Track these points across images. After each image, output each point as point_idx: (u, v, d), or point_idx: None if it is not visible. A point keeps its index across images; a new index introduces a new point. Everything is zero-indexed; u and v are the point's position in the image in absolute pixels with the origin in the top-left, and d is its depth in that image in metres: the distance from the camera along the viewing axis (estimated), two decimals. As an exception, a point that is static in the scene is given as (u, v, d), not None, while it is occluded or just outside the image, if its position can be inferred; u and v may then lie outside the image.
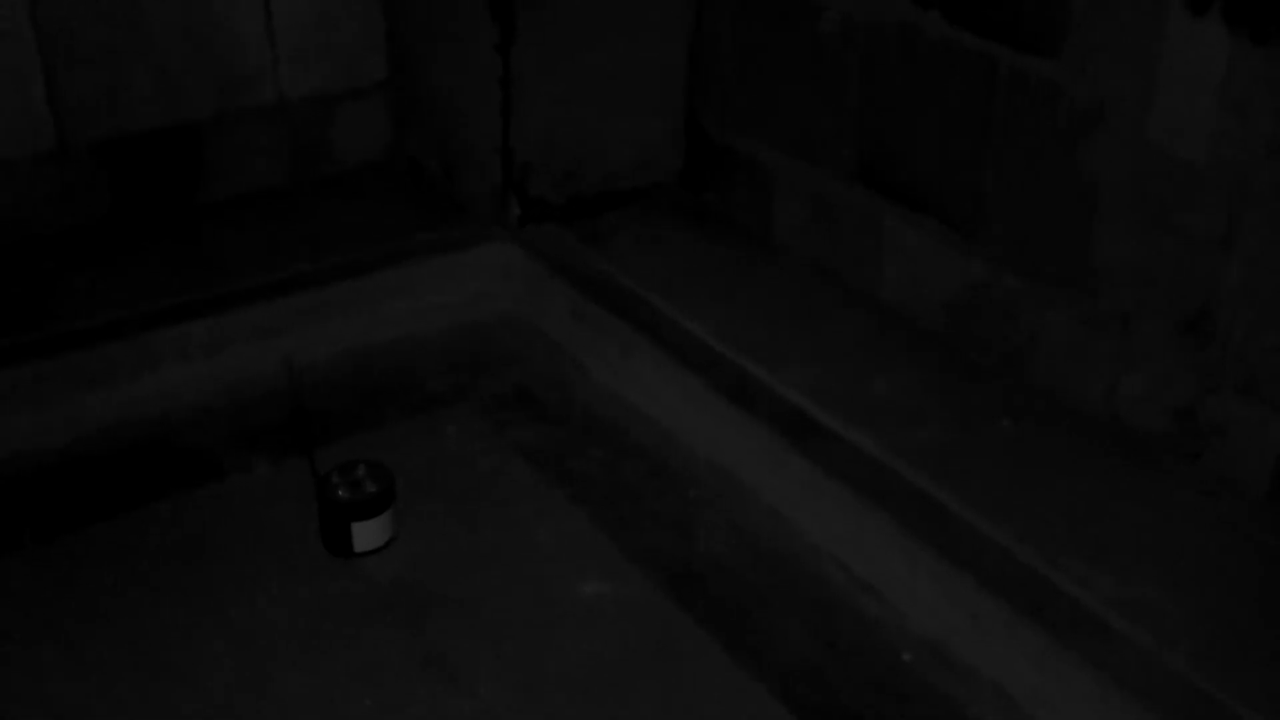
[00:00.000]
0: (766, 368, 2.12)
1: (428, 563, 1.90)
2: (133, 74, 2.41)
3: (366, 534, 1.88)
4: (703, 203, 2.65)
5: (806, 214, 2.43)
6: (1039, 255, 2.04)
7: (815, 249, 2.43)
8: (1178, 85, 1.77)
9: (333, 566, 1.88)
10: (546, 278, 2.43)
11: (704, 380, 2.12)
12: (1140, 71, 1.81)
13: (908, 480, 1.87)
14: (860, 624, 1.83)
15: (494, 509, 2.02)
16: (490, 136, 2.48)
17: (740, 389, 2.09)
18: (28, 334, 2.12)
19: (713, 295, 2.34)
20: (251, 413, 2.18)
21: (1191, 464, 1.89)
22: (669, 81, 2.58)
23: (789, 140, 2.42)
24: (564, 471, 2.11)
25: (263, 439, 2.13)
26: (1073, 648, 1.62)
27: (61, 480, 2.04)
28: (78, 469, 2.06)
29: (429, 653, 1.75)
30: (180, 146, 2.52)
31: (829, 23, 2.26)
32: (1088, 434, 1.98)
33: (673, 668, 1.75)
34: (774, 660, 1.76)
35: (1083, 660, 1.61)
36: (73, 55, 2.34)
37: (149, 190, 2.52)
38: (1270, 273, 1.74)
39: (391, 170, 2.75)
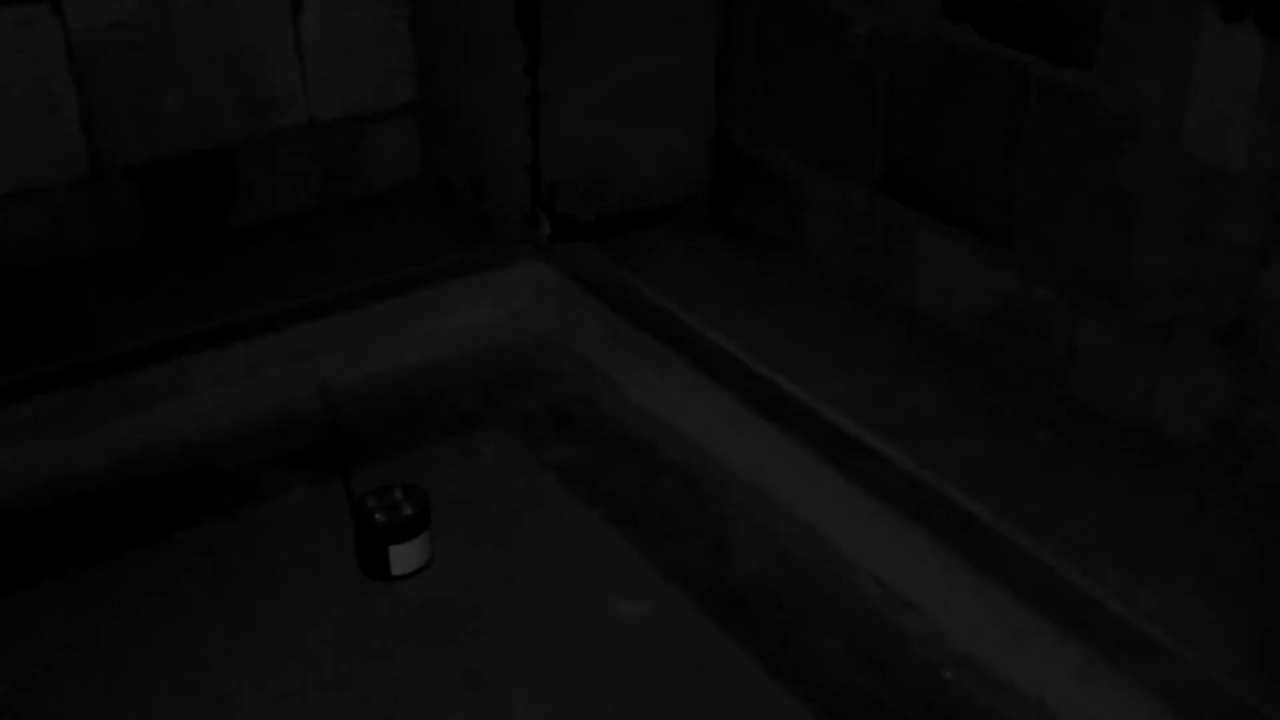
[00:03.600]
0: (800, 382, 2.11)
1: (464, 583, 1.90)
2: (165, 98, 2.44)
3: (404, 557, 1.88)
4: (732, 217, 2.65)
5: (837, 226, 2.43)
6: (1073, 266, 2.02)
7: (847, 262, 2.42)
8: (1212, 93, 1.76)
9: (370, 588, 1.89)
10: (578, 296, 2.43)
11: (738, 396, 2.12)
12: (1174, 80, 1.80)
13: (944, 494, 1.86)
14: (900, 640, 1.81)
15: (529, 528, 2.02)
16: (519, 156, 2.49)
17: (774, 404, 2.08)
18: (66, 359, 2.14)
19: (744, 310, 2.33)
20: (288, 436, 2.19)
21: (1232, 475, 1.87)
22: (697, 96, 2.59)
23: (819, 152, 2.42)
24: (598, 490, 2.11)
25: (299, 462, 2.14)
26: (1116, 662, 1.60)
27: (101, 504, 2.05)
28: (117, 493, 2.07)
29: (467, 673, 1.75)
30: (212, 170, 2.54)
31: (857, 36, 2.26)
32: (1126, 445, 1.96)
33: (710, 686, 1.74)
34: (813, 677, 1.75)
35: (1127, 675, 1.59)
36: (106, 80, 2.37)
37: (182, 214, 2.54)
38: (1310, 281, 1.72)
39: (422, 191, 2.77)
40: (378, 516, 1.88)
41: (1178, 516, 1.82)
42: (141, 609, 1.84)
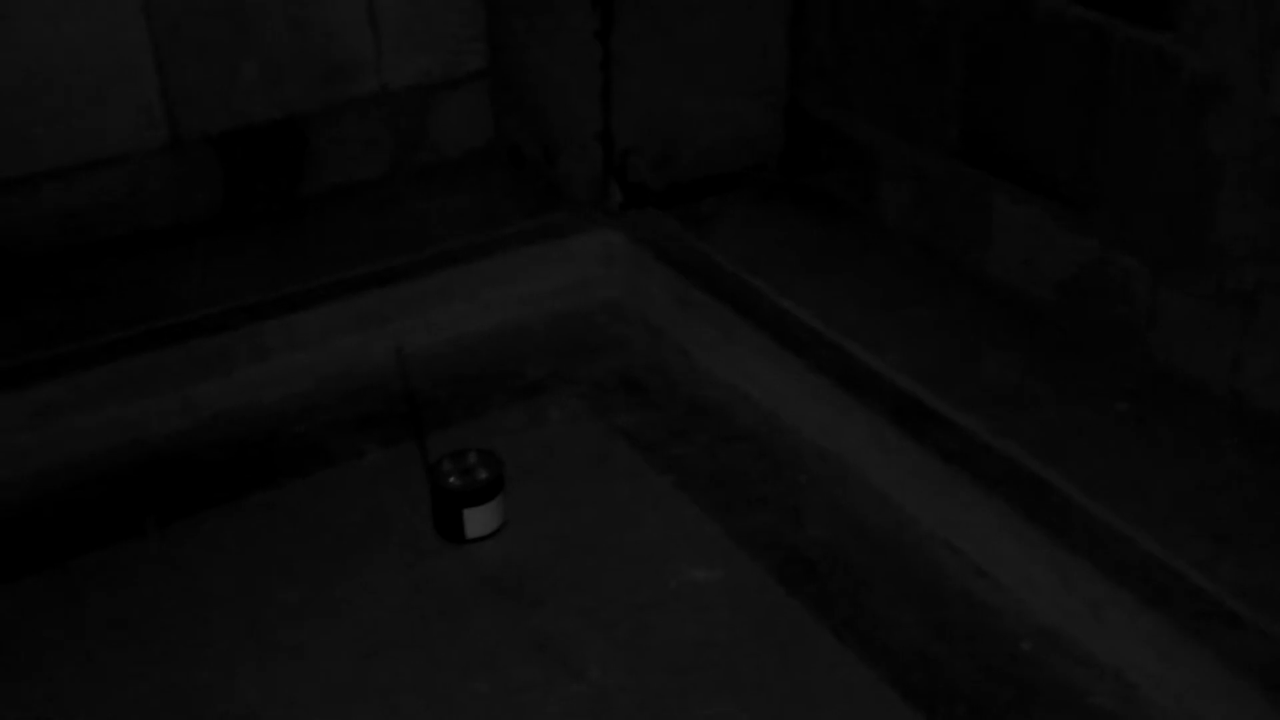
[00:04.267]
0: (873, 350, 2.10)
1: (536, 548, 1.92)
2: (241, 67, 2.46)
3: (478, 520, 1.90)
4: (804, 184, 2.62)
5: (911, 193, 2.40)
6: (1155, 232, 1.98)
7: (921, 228, 2.39)
8: (1305, 54, 1.71)
9: (444, 551, 1.91)
10: (648, 263, 2.42)
11: (809, 363, 2.10)
12: (1261, 41, 1.75)
13: (1021, 463, 1.84)
14: (975, 611, 1.80)
15: (600, 495, 2.03)
16: (590, 122, 2.48)
17: (847, 371, 2.07)
18: (144, 324, 2.18)
19: (816, 277, 2.31)
20: (360, 401, 2.22)
21: (1320, 446, 1.83)
22: (769, 61, 2.56)
23: (893, 118, 2.39)
24: (669, 457, 2.11)
25: (372, 426, 2.16)
26: (1197, 635, 1.58)
27: (178, 466, 2.09)
28: (194, 455, 2.11)
29: (539, 636, 1.76)
30: (286, 138, 2.57)
31: (933, -1, 2.22)
32: (1208, 414, 1.93)
33: (782, 652, 1.74)
34: (886, 646, 1.74)
35: (1208, 649, 1.56)
36: (184, 49, 2.39)
37: (258, 182, 2.57)
38: (1406, 247, 1.67)
39: (492, 158, 2.77)
40: (453, 480, 1.90)
41: (1262, 487, 1.79)
42: (221, 569, 1.87)
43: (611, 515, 1.98)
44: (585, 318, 2.45)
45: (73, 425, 2.06)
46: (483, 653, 1.74)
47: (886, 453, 1.97)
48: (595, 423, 2.20)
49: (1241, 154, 1.82)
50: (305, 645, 1.75)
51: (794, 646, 1.75)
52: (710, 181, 2.59)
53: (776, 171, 2.65)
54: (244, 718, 1.64)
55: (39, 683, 1.68)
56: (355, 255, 2.39)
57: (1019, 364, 2.07)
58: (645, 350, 2.38)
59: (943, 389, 1.99)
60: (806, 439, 2.10)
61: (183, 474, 2.07)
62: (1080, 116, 2.04)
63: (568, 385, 2.29)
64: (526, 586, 1.85)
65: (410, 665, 1.72)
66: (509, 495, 1.95)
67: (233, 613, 1.80)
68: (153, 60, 2.37)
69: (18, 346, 2.12)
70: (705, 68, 2.49)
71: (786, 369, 2.13)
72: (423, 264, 2.36)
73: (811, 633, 1.77)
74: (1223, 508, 1.76)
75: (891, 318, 2.20)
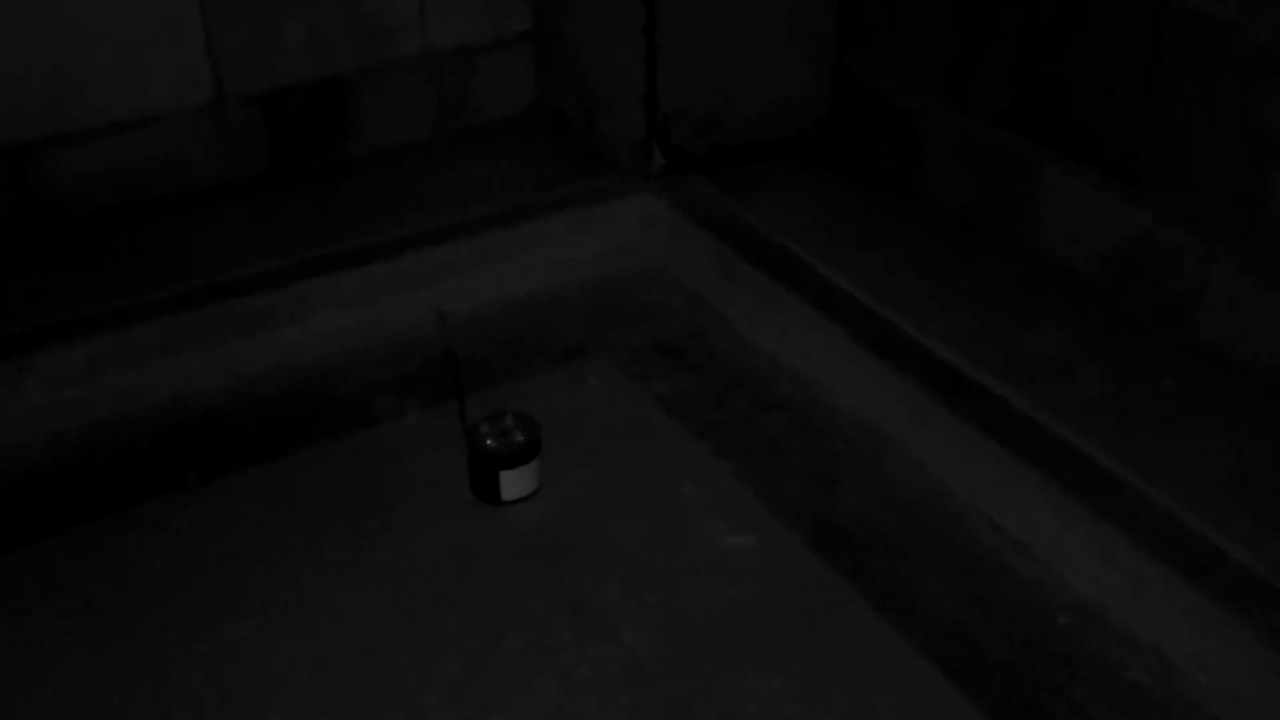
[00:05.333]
0: (914, 320, 2.08)
1: (572, 511, 1.92)
2: (285, 26, 2.46)
3: (514, 483, 1.91)
4: (849, 152, 2.59)
5: (957, 161, 2.37)
6: (1208, 204, 1.94)
7: (966, 198, 2.36)
8: (1368, 22, 1.67)
9: (480, 513, 1.91)
10: (689, 229, 2.41)
11: (849, 332, 2.09)
12: (1325, 8, 1.71)
13: (1063, 437, 1.82)
14: (1012, 584, 1.78)
15: (636, 460, 2.02)
16: (633, 87, 2.46)
17: (887, 341, 2.05)
18: (190, 283, 2.19)
19: (858, 246, 2.29)
20: (401, 361, 2.23)
21: (1371, 425, 1.80)
22: (815, 27, 2.53)
23: (940, 85, 2.36)
24: (706, 423, 2.11)
25: (412, 387, 2.17)
26: (1239, 612, 1.56)
27: (222, 423, 2.11)
28: (237, 412, 2.13)
29: (574, 599, 1.77)
30: (330, 99, 2.57)
31: (985, -37, 2.19)
32: (1256, 391, 1.89)
33: (817, 621, 1.73)
34: (922, 617, 1.74)
35: (1250, 625, 1.54)
36: (229, 8, 2.40)
37: (301, 142, 2.57)
38: None
39: (535, 121, 2.76)
40: (490, 442, 1.90)
41: (1309, 466, 1.76)
42: (262, 525, 1.89)
43: (647, 481, 1.98)
44: (625, 283, 2.44)
45: (120, 380, 2.09)
46: (517, 613, 1.74)
47: (926, 423, 1.95)
48: (633, 388, 2.19)
49: (1298, 125, 1.79)
50: (343, 602, 1.76)
51: (829, 616, 1.74)
52: (754, 148, 2.56)
53: (821, 138, 2.62)
54: (283, 673, 1.65)
55: (85, 633, 1.71)
56: (398, 217, 2.40)
57: (1064, 337, 2.04)
58: (684, 316, 2.37)
59: (985, 361, 1.97)
60: (845, 408, 2.09)
61: (226, 430, 2.09)
62: (1135, 85, 2.00)
63: (606, 350, 2.29)
64: (561, 550, 1.85)
65: (445, 624, 1.73)
66: (545, 459, 1.95)
67: (272, 568, 1.82)
68: (199, 19, 2.38)
69: (65, 304, 2.14)
70: (752, 32, 2.46)
71: (827, 338, 2.12)
72: (464, 226, 2.36)
73: (847, 602, 1.76)
74: (1268, 485, 1.73)
75: (934, 288, 2.18)
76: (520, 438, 1.91)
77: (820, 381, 2.14)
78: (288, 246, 2.30)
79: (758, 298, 2.25)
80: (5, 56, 2.24)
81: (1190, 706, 1.59)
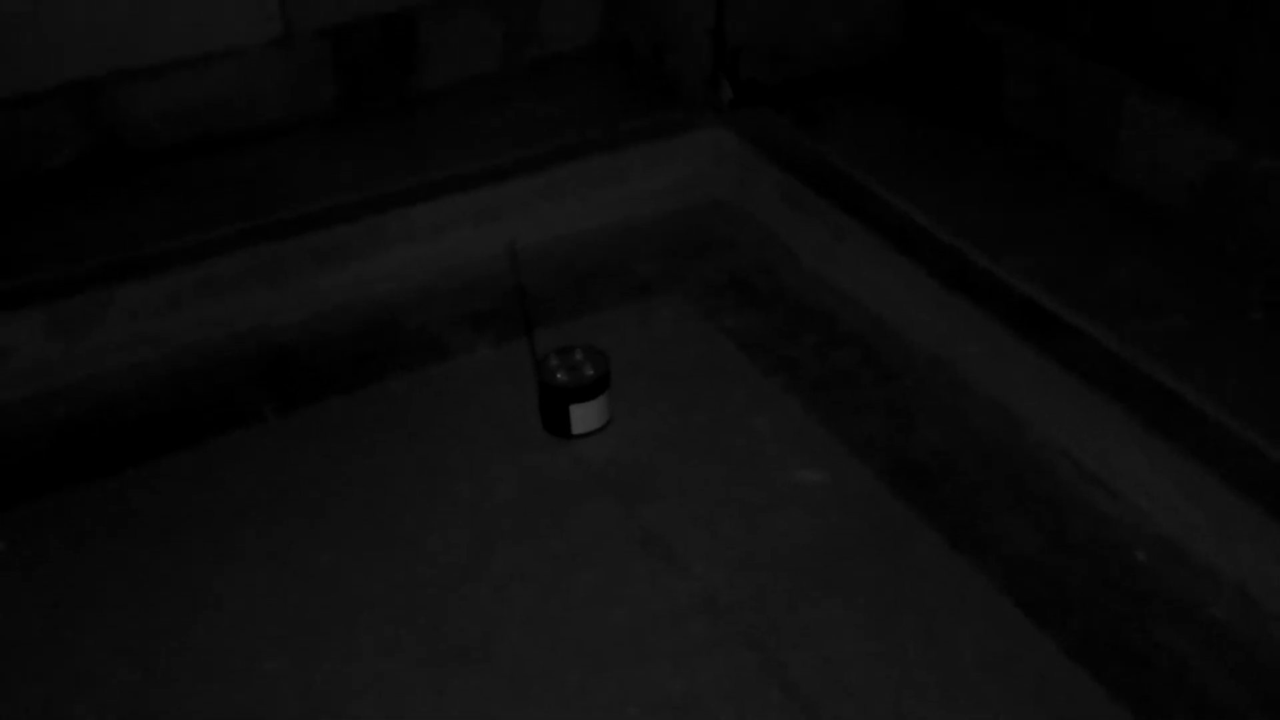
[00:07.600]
0: (990, 254, 2.03)
1: (643, 445, 1.92)
2: (353, -40, 2.45)
3: (584, 416, 1.91)
4: (925, 81, 2.54)
5: (1037, 90, 2.30)
6: (1301, 132, 1.88)
7: (1046, 127, 2.30)
8: None
9: (552, 446, 1.92)
10: (759, 162, 2.38)
11: (923, 267, 2.05)
12: None
13: (1147, 373, 1.78)
14: (1091, 520, 1.76)
15: (707, 394, 2.01)
16: (702, 18, 2.42)
17: (963, 276, 2.01)
18: (263, 218, 2.20)
19: (933, 178, 2.25)
20: (473, 296, 2.23)
21: None
22: (890, -47, 2.47)
23: (1020, 10, 2.29)
24: (777, 358, 2.09)
25: (483, 321, 2.18)
26: (1328, 552, 1.52)
27: (297, 355, 2.13)
28: (313, 345, 2.15)
29: (646, 532, 1.77)
30: (399, 32, 2.55)
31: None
32: (1349, 327, 1.84)
33: (892, 556, 1.72)
34: (998, 553, 1.72)
35: (1339, 565, 1.51)
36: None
37: (370, 77, 2.57)
38: None
39: (602, 54, 2.73)
40: (560, 376, 1.90)
41: (1404, 403, 1.71)
42: (339, 457, 1.91)
43: (718, 415, 1.97)
44: (694, 217, 2.42)
45: (199, 313, 2.11)
46: (589, 546, 1.75)
47: (1003, 359, 1.92)
48: (703, 323, 2.18)
49: (1402, 47, 1.71)
50: (420, 534, 1.78)
51: (904, 552, 1.73)
52: (826, 78, 2.51)
53: (896, 68, 2.56)
54: (364, 601, 1.68)
55: (176, 561, 1.74)
56: (467, 151, 2.39)
57: (1149, 270, 1.99)
58: (754, 250, 2.35)
59: (1064, 294, 1.93)
60: (918, 343, 2.06)
61: (301, 363, 2.11)
62: (1224, 8, 1.93)
63: (676, 284, 2.27)
64: (632, 483, 1.85)
65: (519, 556, 1.74)
66: (616, 393, 1.95)
67: (350, 499, 1.84)
68: (267, -48, 2.37)
69: (143, 238, 2.17)
70: (824, -41, 2.41)
71: (899, 272, 2.08)
72: (534, 160, 2.35)
73: (922, 538, 1.75)
74: (1360, 422, 1.68)
75: (1011, 220, 2.13)
76: (590, 372, 1.91)
77: (892, 316, 2.10)
78: (358, 182, 2.30)
79: (829, 231, 2.22)
80: (79, -8, 2.26)
81: (1274, 645, 1.56)
